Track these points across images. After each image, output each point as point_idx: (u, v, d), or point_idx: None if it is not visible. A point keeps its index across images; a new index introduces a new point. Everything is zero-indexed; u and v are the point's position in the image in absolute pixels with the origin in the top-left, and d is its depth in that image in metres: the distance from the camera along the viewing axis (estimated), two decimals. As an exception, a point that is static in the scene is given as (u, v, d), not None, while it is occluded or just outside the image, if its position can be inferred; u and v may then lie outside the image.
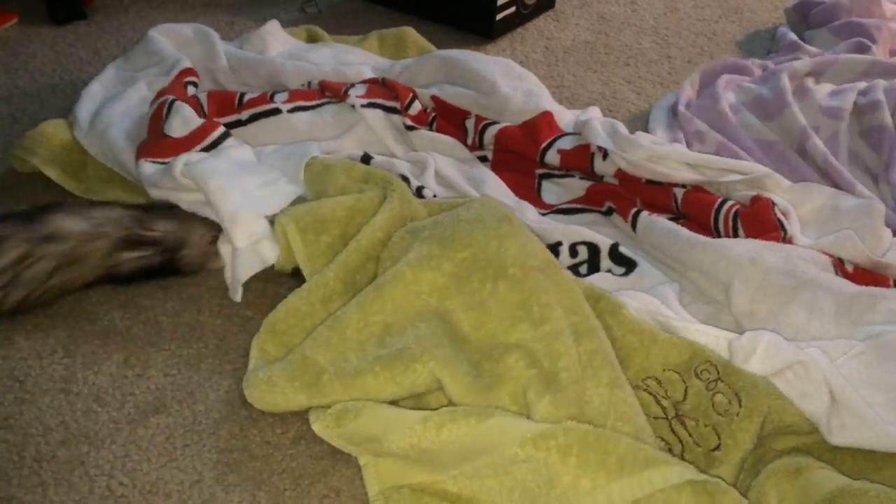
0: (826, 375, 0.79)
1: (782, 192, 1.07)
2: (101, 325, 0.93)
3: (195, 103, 1.20)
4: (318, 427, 0.79)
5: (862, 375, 0.83)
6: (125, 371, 0.88)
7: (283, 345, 0.85)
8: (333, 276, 0.89)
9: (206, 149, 1.08)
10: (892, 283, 0.94)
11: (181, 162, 1.03)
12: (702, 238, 0.98)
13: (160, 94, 1.20)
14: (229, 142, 1.10)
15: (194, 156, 1.05)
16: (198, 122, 1.10)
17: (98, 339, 0.91)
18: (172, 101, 1.13)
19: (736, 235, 1.01)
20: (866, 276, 0.94)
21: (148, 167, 1.07)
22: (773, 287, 0.91)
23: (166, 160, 1.07)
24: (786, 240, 0.99)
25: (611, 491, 0.69)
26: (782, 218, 1.01)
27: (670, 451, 0.80)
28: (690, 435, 0.80)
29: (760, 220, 1.00)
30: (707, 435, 0.80)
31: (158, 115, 1.13)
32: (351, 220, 0.95)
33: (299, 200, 1.03)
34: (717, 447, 0.80)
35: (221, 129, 1.11)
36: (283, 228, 0.94)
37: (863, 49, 1.38)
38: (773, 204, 1.02)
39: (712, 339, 0.85)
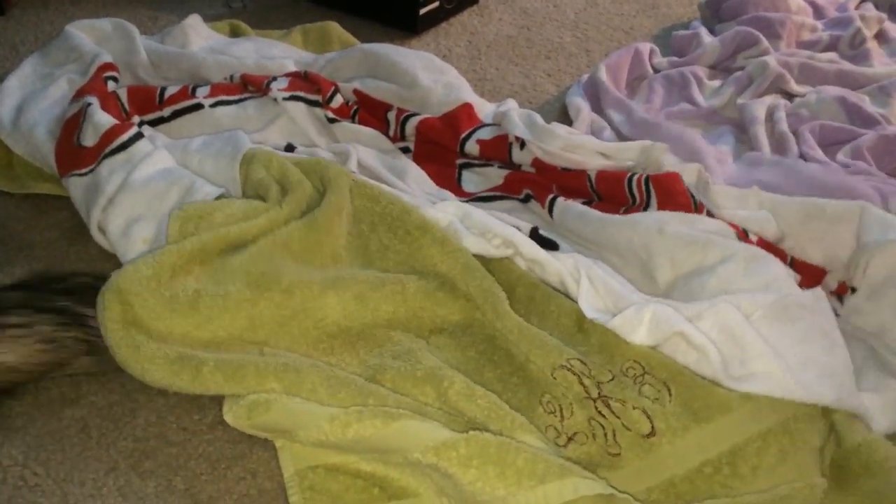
0: (733, 325, 0.82)
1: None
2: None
3: (114, 100, 1.19)
4: (230, 418, 0.80)
5: (768, 329, 0.86)
6: (40, 364, 0.88)
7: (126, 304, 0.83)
8: (188, 250, 0.88)
9: (116, 150, 1.06)
10: (788, 259, 0.99)
11: (94, 224, 1.02)
12: (612, 216, 1.02)
13: (80, 92, 1.18)
14: (142, 144, 1.07)
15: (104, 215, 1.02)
16: (107, 125, 1.08)
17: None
18: (87, 106, 1.12)
19: (649, 198, 1.05)
20: (768, 248, 0.99)
21: (74, 184, 1.06)
22: (683, 253, 0.95)
23: (87, 169, 1.06)
24: (696, 207, 1.03)
25: (509, 500, 0.70)
26: (691, 189, 1.05)
27: (605, 433, 0.79)
28: (618, 416, 0.80)
29: (671, 186, 1.04)
30: (637, 418, 0.79)
31: (75, 122, 1.11)
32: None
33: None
34: (652, 433, 0.78)
35: (133, 131, 1.08)
36: (170, 221, 0.93)
37: (752, 42, 1.45)
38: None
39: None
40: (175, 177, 1.03)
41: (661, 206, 1.04)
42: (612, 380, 0.81)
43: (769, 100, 1.34)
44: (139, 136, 1.09)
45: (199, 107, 1.21)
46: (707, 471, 0.76)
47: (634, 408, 0.79)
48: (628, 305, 0.86)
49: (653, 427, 0.78)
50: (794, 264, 0.99)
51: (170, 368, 0.81)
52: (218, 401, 0.83)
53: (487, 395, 0.80)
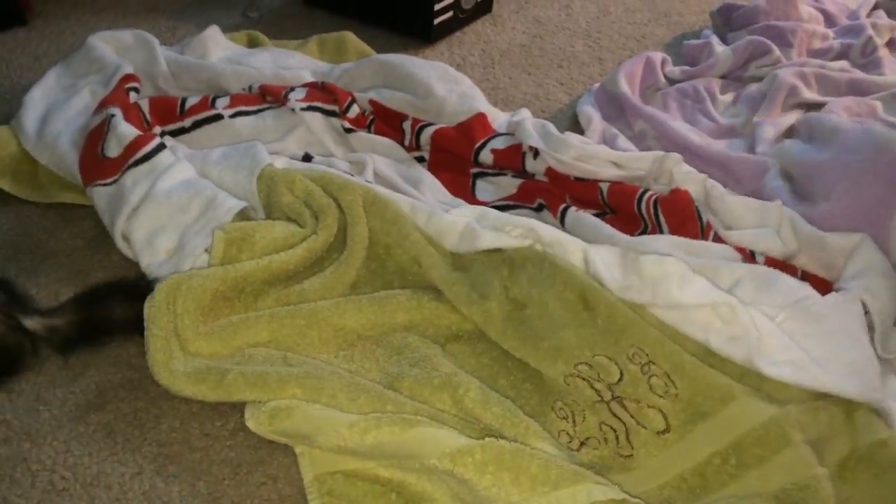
0: (759, 321, 0.85)
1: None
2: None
3: (136, 111, 1.22)
4: (251, 424, 0.82)
5: (794, 331, 0.87)
6: (65, 372, 0.90)
7: (174, 313, 0.88)
8: (232, 277, 0.92)
9: (139, 161, 1.09)
10: (798, 272, 1.01)
11: (118, 233, 1.05)
12: (621, 235, 1.04)
13: (103, 103, 1.21)
14: (164, 155, 1.10)
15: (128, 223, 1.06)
16: (131, 137, 1.11)
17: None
18: (111, 118, 1.15)
19: (657, 220, 1.07)
20: (777, 265, 1.00)
21: (98, 193, 1.09)
22: None
23: (111, 179, 1.09)
24: (703, 229, 1.05)
25: None
26: (701, 209, 1.07)
27: (616, 436, 0.82)
28: (633, 416, 0.82)
29: (681, 209, 1.06)
30: (652, 417, 0.82)
31: (99, 132, 1.14)
32: (278, 249, 0.98)
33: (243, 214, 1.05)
34: (667, 429, 0.81)
35: (156, 142, 1.11)
36: (215, 241, 0.97)
37: (764, 51, 1.47)
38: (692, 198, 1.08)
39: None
40: (197, 188, 1.06)
41: (674, 232, 1.06)
42: (621, 379, 0.83)
43: (783, 120, 1.34)
44: (161, 146, 1.12)
45: (219, 117, 1.24)
46: (716, 462, 0.78)
47: (650, 406, 0.81)
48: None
49: (667, 424, 0.80)
50: (805, 277, 1.00)
51: (195, 377, 0.84)
52: (239, 408, 0.86)
53: (502, 402, 0.82)
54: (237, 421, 0.85)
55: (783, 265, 1.00)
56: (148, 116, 1.23)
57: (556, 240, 0.97)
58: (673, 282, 0.88)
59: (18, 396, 0.87)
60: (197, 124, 1.24)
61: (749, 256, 1.01)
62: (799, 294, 0.90)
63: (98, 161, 1.12)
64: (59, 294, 1.00)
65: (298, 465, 0.81)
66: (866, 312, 0.91)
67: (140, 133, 1.12)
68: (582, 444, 0.82)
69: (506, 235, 0.98)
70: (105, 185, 1.10)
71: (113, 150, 1.11)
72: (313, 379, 0.83)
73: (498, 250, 0.98)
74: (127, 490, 0.79)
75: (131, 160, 1.09)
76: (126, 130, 1.12)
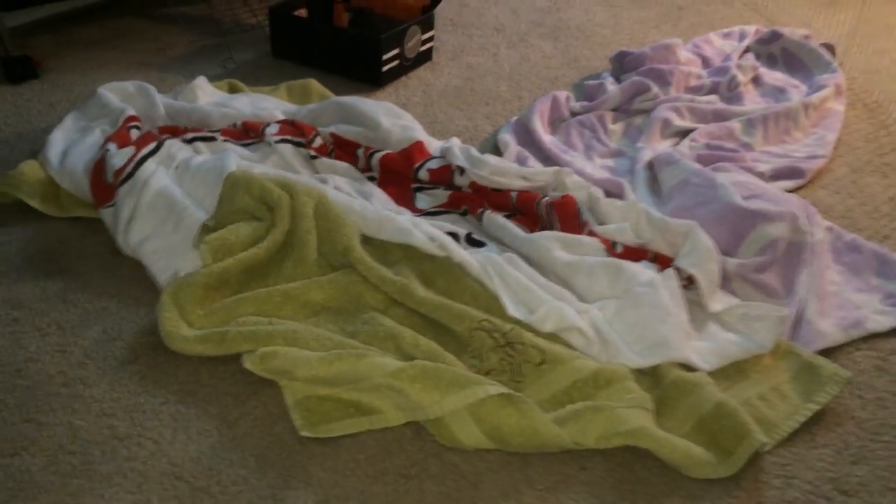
0: (597, 325, 1.18)
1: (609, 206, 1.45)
2: (81, 308, 1.25)
3: (132, 142, 1.54)
4: (248, 365, 1.13)
5: (620, 320, 1.21)
6: (104, 337, 1.20)
7: (178, 304, 1.20)
8: (216, 272, 1.24)
9: (124, 180, 1.41)
10: (650, 255, 1.34)
11: (120, 239, 1.37)
12: (520, 233, 1.36)
13: (107, 140, 1.53)
14: (142, 171, 1.42)
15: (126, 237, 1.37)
16: (118, 166, 1.42)
17: (79, 317, 1.23)
18: (106, 152, 1.46)
19: (551, 219, 1.41)
20: (631, 252, 1.34)
21: (105, 213, 1.42)
22: (564, 270, 1.29)
23: (112, 202, 1.41)
24: (582, 225, 1.38)
25: (443, 403, 1.04)
26: (582, 209, 1.41)
27: (511, 367, 1.13)
28: (521, 354, 1.14)
29: (566, 211, 1.40)
30: (533, 353, 1.13)
31: (101, 164, 1.46)
32: (249, 244, 1.30)
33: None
34: (543, 361, 1.13)
35: (135, 162, 1.43)
36: (202, 252, 1.28)
37: (645, 89, 1.83)
38: (577, 200, 1.42)
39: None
40: (171, 204, 1.38)
41: (562, 227, 1.40)
42: (512, 329, 1.16)
43: (660, 146, 1.69)
44: (141, 162, 1.43)
45: (213, 138, 1.57)
46: (578, 385, 1.10)
47: (531, 346, 1.13)
48: (538, 301, 1.22)
49: (543, 358, 1.12)
50: (657, 258, 1.34)
51: (202, 338, 1.15)
52: (236, 358, 1.16)
53: (429, 343, 1.14)
54: (236, 366, 1.15)
55: (636, 251, 1.34)
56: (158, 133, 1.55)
57: (460, 259, 1.29)
58: (547, 325, 1.19)
59: (70, 355, 1.17)
60: (195, 139, 1.57)
61: (611, 246, 1.35)
62: (637, 279, 1.24)
63: (105, 187, 1.43)
64: (88, 286, 1.30)
65: (283, 394, 1.11)
66: (692, 283, 1.25)
67: (124, 162, 1.43)
68: (487, 374, 1.14)
69: (432, 244, 1.31)
70: (110, 206, 1.41)
71: (109, 177, 1.43)
72: (292, 332, 1.15)
73: (418, 251, 1.31)
74: (158, 412, 1.08)
75: (119, 181, 1.41)
76: (115, 161, 1.44)
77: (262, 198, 1.36)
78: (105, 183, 1.45)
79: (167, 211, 1.37)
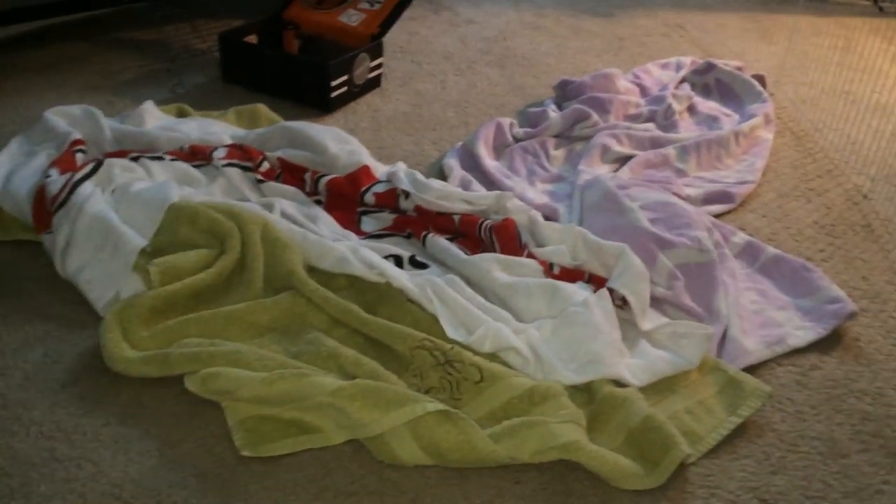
0: (534, 345, 1.23)
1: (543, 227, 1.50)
2: (22, 331, 1.25)
3: (77, 167, 1.54)
4: (189, 386, 1.15)
5: (555, 339, 1.26)
6: (45, 360, 1.21)
7: (121, 324, 1.21)
8: (163, 295, 1.26)
9: (59, 207, 1.40)
10: (586, 276, 1.40)
11: (59, 266, 1.37)
12: (462, 255, 1.40)
13: (52, 164, 1.53)
14: (76, 196, 1.41)
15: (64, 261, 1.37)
16: (54, 192, 1.42)
17: (20, 340, 1.23)
18: (47, 178, 1.46)
19: (492, 241, 1.45)
20: (568, 273, 1.39)
21: (45, 239, 1.42)
22: (504, 292, 1.33)
23: (50, 229, 1.41)
24: (522, 247, 1.43)
25: (383, 421, 1.07)
26: (522, 232, 1.46)
27: (451, 385, 1.16)
28: (459, 372, 1.17)
29: (506, 234, 1.45)
30: (472, 371, 1.16)
31: (43, 190, 1.45)
32: (198, 270, 1.32)
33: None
34: (482, 379, 1.16)
35: (69, 187, 1.42)
36: (151, 275, 1.29)
37: (585, 116, 1.90)
38: (517, 224, 1.47)
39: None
40: (108, 229, 1.37)
41: (503, 249, 1.44)
42: (452, 348, 1.19)
43: (598, 170, 1.75)
44: (75, 186, 1.43)
45: (161, 158, 1.58)
46: (514, 401, 1.14)
47: (470, 364, 1.17)
48: (477, 322, 1.26)
49: (482, 376, 1.16)
50: (592, 279, 1.39)
51: (144, 360, 1.16)
52: (178, 379, 1.17)
53: (371, 362, 1.17)
54: (179, 387, 1.16)
55: (573, 272, 1.39)
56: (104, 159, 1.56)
57: (400, 285, 1.32)
58: (485, 346, 1.23)
59: (11, 377, 1.17)
60: (141, 157, 1.57)
61: (548, 268, 1.39)
62: (572, 299, 1.29)
63: (45, 213, 1.43)
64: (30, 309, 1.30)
65: (224, 414, 1.13)
66: (626, 303, 1.30)
67: (59, 189, 1.43)
68: (427, 392, 1.17)
69: (369, 272, 1.34)
70: (49, 233, 1.41)
71: (49, 205, 1.43)
72: (234, 353, 1.17)
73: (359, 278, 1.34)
74: (99, 433, 1.09)
75: (54, 208, 1.42)
76: (52, 187, 1.44)
77: (211, 229, 1.38)
78: (45, 210, 1.45)
79: (103, 237, 1.36)
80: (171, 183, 1.48)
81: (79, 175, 1.47)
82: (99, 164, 1.51)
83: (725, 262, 1.46)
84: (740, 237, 1.56)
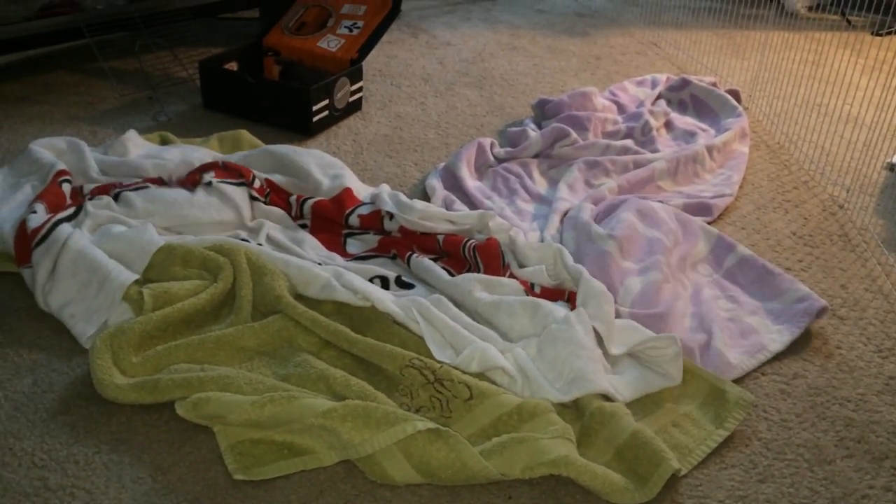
0: (521, 364, 1.24)
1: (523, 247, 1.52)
2: (11, 361, 1.25)
3: (64, 198, 1.54)
4: (181, 412, 1.15)
5: (540, 358, 1.27)
6: (35, 389, 1.20)
7: (112, 350, 1.21)
8: (154, 320, 1.26)
9: (38, 243, 1.40)
10: (565, 295, 1.41)
11: (40, 302, 1.36)
12: (445, 276, 1.42)
13: (38, 197, 1.53)
14: (58, 232, 1.40)
15: (46, 295, 1.36)
16: (34, 226, 1.42)
17: (9, 371, 1.23)
18: (30, 213, 1.46)
19: (476, 261, 1.47)
20: (548, 293, 1.41)
21: (25, 273, 1.41)
22: (488, 311, 1.35)
23: (29, 263, 1.40)
24: (505, 266, 1.45)
25: (374, 440, 1.08)
26: (505, 251, 1.48)
27: (441, 404, 1.17)
28: (449, 390, 1.19)
29: (490, 253, 1.47)
30: (461, 389, 1.17)
31: (24, 224, 1.45)
32: (190, 296, 1.33)
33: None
34: (471, 396, 1.17)
35: (49, 224, 1.42)
36: (145, 297, 1.30)
37: (564, 134, 1.93)
38: (500, 243, 1.49)
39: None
40: (94, 265, 1.36)
41: (486, 269, 1.46)
42: (441, 367, 1.20)
43: (577, 197, 1.78)
44: (56, 224, 1.43)
45: (146, 187, 1.59)
46: (504, 418, 1.15)
47: (459, 382, 1.18)
48: (464, 342, 1.27)
49: (471, 394, 1.17)
50: (570, 297, 1.41)
51: (135, 387, 1.16)
52: (169, 405, 1.17)
53: (360, 383, 1.18)
54: (170, 413, 1.17)
55: (553, 292, 1.41)
56: (88, 194, 1.56)
57: (385, 308, 1.33)
58: (473, 366, 1.25)
59: (0, 408, 1.16)
60: (123, 191, 1.58)
61: (529, 287, 1.41)
62: (553, 315, 1.30)
63: (25, 248, 1.43)
64: (18, 339, 1.30)
65: (216, 439, 1.13)
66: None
67: (41, 223, 1.43)
68: (417, 411, 1.18)
69: (353, 296, 1.35)
70: (28, 267, 1.41)
71: (29, 239, 1.43)
72: (224, 378, 1.17)
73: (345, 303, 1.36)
74: (91, 462, 1.09)
75: (33, 244, 1.41)
76: (32, 223, 1.44)
77: (205, 266, 1.40)
78: (26, 244, 1.45)
79: (90, 273, 1.36)
80: (149, 225, 1.47)
81: (61, 215, 1.47)
82: (80, 209, 1.52)
83: (695, 277, 1.49)
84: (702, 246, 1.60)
